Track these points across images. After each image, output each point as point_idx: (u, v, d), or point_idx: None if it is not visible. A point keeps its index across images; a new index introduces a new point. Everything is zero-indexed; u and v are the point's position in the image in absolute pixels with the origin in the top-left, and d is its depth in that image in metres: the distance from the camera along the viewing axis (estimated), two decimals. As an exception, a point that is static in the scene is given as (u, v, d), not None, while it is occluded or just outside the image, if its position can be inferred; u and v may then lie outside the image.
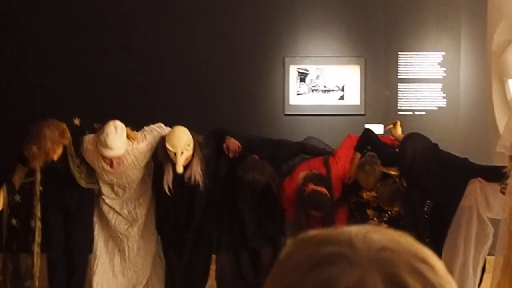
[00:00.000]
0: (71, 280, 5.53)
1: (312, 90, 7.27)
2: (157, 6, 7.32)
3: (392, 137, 5.57)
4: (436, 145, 5.15)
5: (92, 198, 5.58)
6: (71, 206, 5.47)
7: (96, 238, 5.62)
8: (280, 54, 7.37)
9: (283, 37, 7.39)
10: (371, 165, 5.20)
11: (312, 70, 7.32)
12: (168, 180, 5.39)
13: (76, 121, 5.43)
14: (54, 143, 5.06)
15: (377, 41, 7.35)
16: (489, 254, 5.21)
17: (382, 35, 7.35)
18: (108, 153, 5.18)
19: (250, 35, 7.36)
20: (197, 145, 5.39)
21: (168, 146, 5.26)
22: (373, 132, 5.55)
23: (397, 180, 5.14)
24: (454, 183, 4.90)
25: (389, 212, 5.40)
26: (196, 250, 5.64)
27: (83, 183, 5.41)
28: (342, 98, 7.22)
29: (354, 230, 0.97)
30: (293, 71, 7.37)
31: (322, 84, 7.23)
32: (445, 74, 7.26)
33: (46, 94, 6.97)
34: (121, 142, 5.18)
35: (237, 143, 5.50)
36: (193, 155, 5.36)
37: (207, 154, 5.47)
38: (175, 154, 5.24)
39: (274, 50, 7.35)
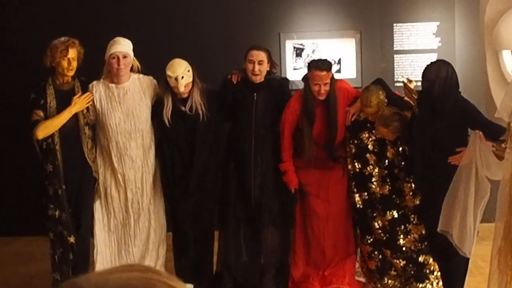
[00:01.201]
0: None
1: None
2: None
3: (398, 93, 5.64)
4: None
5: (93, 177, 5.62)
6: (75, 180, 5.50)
7: (97, 217, 5.63)
8: (276, 30, 7.41)
9: (278, 13, 7.42)
10: (376, 87, 5.33)
11: (308, 44, 7.38)
12: (167, 112, 5.48)
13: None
14: (64, 43, 5.34)
15: (372, 14, 7.39)
16: (488, 221, 5.33)
17: (377, 7, 7.38)
18: (116, 48, 5.45)
19: (245, 12, 7.39)
20: (196, 76, 5.51)
21: (168, 72, 5.41)
22: (385, 82, 5.60)
23: (412, 105, 5.15)
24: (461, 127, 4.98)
25: (388, 159, 5.46)
26: (202, 190, 5.61)
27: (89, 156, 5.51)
28: (338, 71, 7.25)
29: None
30: (289, 46, 7.43)
31: (318, 58, 7.29)
32: (440, 44, 7.31)
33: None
34: (128, 43, 5.52)
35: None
36: (193, 84, 5.49)
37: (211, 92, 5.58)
38: (175, 79, 5.39)
39: (269, 26, 7.40)
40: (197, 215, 5.62)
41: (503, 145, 4.49)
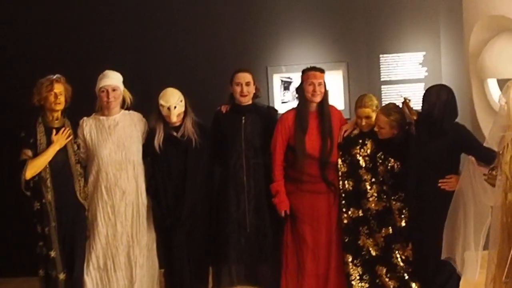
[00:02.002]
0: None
1: (297, 98, 7.32)
2: (143, 20, 7.43)
3: None
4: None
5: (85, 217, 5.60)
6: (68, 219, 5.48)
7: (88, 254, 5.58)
8: (263, 64, 7.44)
9: (265, 47, 7.45)
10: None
11: (295, 78, 7.38)
12: (159, 139, 5.56)
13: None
14: (49, 79, 5.39)
15: (358, 45, 7.43)
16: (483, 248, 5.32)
17: (363, 39, 7.42)
18: (105, 81, 5.55)
19: (233, 46, 7.41)
20: (189, 106, 5.62)
21: (161, 101, 5.54)
22: None
23: (412, 122, 5.29)
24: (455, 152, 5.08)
25: (380, 176, 5.52)
26: (195, 219, 5.61)
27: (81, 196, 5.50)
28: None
29: None
30: (276, 80, 7.45)
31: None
32: (426, 74, 7.34)
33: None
34: (117, 75, 5.61)
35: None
36: (185, 113, 5.60)
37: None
38: (168, 109, 5.49)
39: (257, 60, 7.41)
40: (191, 247, 5.60)
41: (493, 172, 4.52)
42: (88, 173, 5.61)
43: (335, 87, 7.33)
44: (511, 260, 4.07)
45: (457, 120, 5.23)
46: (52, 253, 5.37)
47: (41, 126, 5.41)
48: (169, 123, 5.58)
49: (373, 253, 5.57)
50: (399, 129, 5.37)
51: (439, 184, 5.06)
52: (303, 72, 5.66)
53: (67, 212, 5.43)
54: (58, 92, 5.39)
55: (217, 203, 5.78)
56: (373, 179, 5.56)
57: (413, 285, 5.43)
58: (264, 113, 5.80)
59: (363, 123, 5.56)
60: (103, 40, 7.37)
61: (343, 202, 5.65)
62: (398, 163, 5.45)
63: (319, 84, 5.58)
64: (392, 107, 5.48)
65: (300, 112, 5.59)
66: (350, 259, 5.64)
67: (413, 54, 7.40)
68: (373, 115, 5.54)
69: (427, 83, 7.19)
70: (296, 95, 5.75)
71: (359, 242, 5.63)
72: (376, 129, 5.49)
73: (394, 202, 5.48)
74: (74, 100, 5.53)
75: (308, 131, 5.59)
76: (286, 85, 7.43)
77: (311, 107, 5.62)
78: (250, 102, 5.76)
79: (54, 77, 5.42)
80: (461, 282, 5.18)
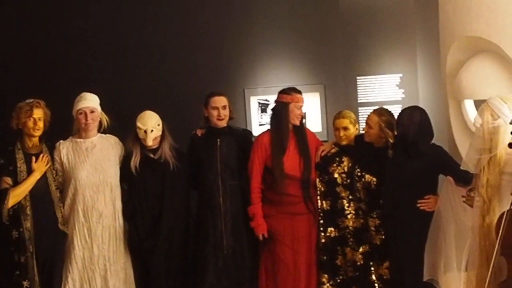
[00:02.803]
0: None
1: (272, 118, 7.31)
2: (120, 43, 7.42)
3: None
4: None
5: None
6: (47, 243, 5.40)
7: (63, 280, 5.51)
8: (240, 86, 7.45)
9: (243, 69, 7.47)
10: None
11: (273, 100, 7.34)
12: (135, 161, 5.55)
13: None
14: (28, 104, 5.32)
15: (335, 67, 7.46)
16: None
17: (340, 61, 7.46)
18: (83, 103, 5.53)
19: (210, 69, 7.44)
20: (166, 130, 5.64)
21: (138, 124, 5.55)
22: None
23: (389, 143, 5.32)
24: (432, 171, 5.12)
25: (358, 193, 5.55)
26: (172, 242, 5.60)
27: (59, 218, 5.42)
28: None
29: None
30: (253, 102, 7.44)
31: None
32: (403, 96, 7.38)
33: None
34: (94, 98, 5.60)
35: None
36: (162, 137, 5.61)
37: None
38: (145, 132, 5.50)
39: (234, 82, 7.44)
40: (169, 270, 5.57)
41: (471, 194, 4.52)
42: (64, 196, 5.57)
43: (312, 109, 7.35)
44: (488, 283, 4.05)
45: (434, 141, 5.25)
46: (25, 283, 5.28)
47: (20, 152, 5.34)
48: (145, 146, 5.52)
49: (350, 274, 5.57)
50: (386, 136, 5.41)
51: (418, 205, 5.07)
52: (285, 92, 5.62)
53: (47, 238, 5.37)
54: (37, 118, 5.34)
55: (194, 225, 5.75)
56: (351, 196, 5.59)
57: None
58: (240, 135, 5.82)
59: (341, 134, 5.60)
60: (80, 62, 7.36)
61: (321, 221, 5.64)
62: (374, 179, 5.45)
63: (301, 107, 5.64)
64: (385, 109, 5.60)
65: (279, 132, 5.58)
66: (326, 280, 5.62)
67: (390, 76, 7.43)
68: (351, 127, 5.63)
69: (404, 104, 7.20)
70: (271, 115, 5.71)
71: (336, 261, 5.63)
72: (364, 129, 5.56)
73: (371, 219, 5.46)
74: (51, 123, 5.46)
75: (287, 153, 5.57)
76: (264, 107, 7.42)
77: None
78: (225, 124, 5.73)
79: (34, 101, 5.35)
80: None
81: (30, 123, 5.31)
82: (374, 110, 5.62)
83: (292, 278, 5.63)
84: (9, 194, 5.18)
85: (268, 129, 5.73)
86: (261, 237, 5.61)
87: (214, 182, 5.66)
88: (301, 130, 5.67)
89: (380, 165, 5.36)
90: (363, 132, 5.69)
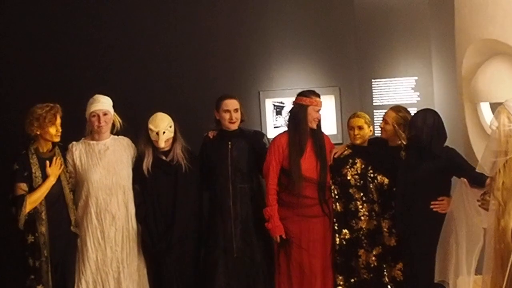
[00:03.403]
0: None
1: (289, 120, 7.30)
2: (133, 46, 7.43)
3: None
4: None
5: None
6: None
7: (76, 281, 5.51)
8: (255, 88, 7.45)
9: (258, 72, 7.47)
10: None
11: (288, 102, 7.36)
12: (148, 163, 5.56)
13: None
14: (51, 113, 5.26)
15: (350, 70, 7.45)
16: (476, 274, 5.28)
17: (355, 63, 7.44)
18: (96, 106, 5.53)
19: (225, 71, 7.44)
20: (178, 132, 5.64)
21: (150, 126, 5.55)
22: None
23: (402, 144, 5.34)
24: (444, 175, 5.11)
25: (371, 194, 5.55)
26: (184, 244, 5.59)
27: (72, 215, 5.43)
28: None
29: None
30: (269, 104, 7.44)
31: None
32: (419, 99, 7.35)
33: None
34: (108, 100, 5.58)
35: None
36: (174, 138, 5.61)
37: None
38: (157, 134, 5.51)
39: (249, 84, 7.43)
40: (181, 272, 5.56)
41: (486, 197, 4.50)
42: (77, 198, 5.56)
43: (327, 112, 7.33)
44: (506, 285, 4.03)
45: (450, 144, 5.24)
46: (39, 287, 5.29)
47: (34, 157, 5.31)
48: (158, 147, 5.54)
49: (364, 276, 5.57)
50: (401, 134, 5.43)
51: (431, 206, 5.04)
52: (306, 94, 5.63)
53: (61, 241, 5.37)
54: (58, 124, 5.33)
55: (205, 228, 5.74)
56: (364, 198, 5.58)
57: None
58: (251, 138, 5.82)
59: (355, 133, 5.63)
60: (92, 64, 7.37)
61: (336, 223, 5.64)
62: (387, 180, 5.46)
63: (319, 110, 5.64)
64: (402, 106, 5.68)
65: (297, 134, 5.57)
66: (342, 281, 5.63)
67: (405, 79, 7.41)
68: (365, 127, 5.67)
69: (420, 107, 7.14)
70: (288, 117, 5.71)
71: (351, 263, 5.63)
72: (381, 125, 5.60)
73: (384, 221, 5.46)
74: (62, 124, 5.46)
75: (304, 155, 5.57)
76: (279, 110, 7.41)
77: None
78: (237, 127, 5.76)
79: (55, 107, 5.32)
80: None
81: (53, 130, 5.30)
82: (391, 107, 5.69)
83: (308, 281, 5.62)
84: (26, 200, 5.16)
85: (285, 131, 5.73)
86: (278, 239, 5.60)
87: (224, 185, 5.66)
88: (318, 132, 5.67)
89: (393, 165, 5.36)
90: (377, 135, 5.69)
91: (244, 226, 5.67)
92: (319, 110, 5.66)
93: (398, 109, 5.61)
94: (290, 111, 5.72)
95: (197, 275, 5.70)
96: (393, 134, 5.50)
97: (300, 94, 5.68)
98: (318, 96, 5.69)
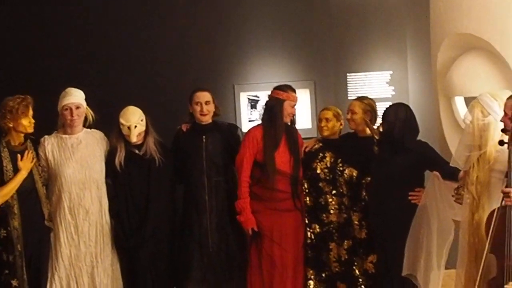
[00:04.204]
0: None
1: (265, 113, 7.28)
2: (104, 37, 7.38)
3: None
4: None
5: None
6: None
7: (49, 276, 5.45)
8: (230, 82, 7.42)
9: (233, 65, 7.45)
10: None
11: (263, 96, 7.36)
12: (120, 157, 5.49)
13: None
14: (24, 105, 5.18)
15: (326, 64, 7.46)
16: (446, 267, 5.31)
17: (330, 57, 7.45)
18: (68, 99, 5.44)
19: (200, 64, 7.41)
20: (150, 125, 5.58)
21: (121, 120, 5.49)
22: None
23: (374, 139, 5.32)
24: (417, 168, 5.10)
25: (341, 188, 5.55)
26: (158, 239, 5.56)
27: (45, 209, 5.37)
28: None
29: None
30: (243, 98, 7.42)
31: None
32: (394, 93, 7.38)
33: None
34: (80, 93, 5.51)
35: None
36: (146, 132, 5.56)
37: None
38: (128, 128, 5.45)
39: (224, 78, 7.41)
40: (155, 267, 5.52)
41: (461, 191, 4.51)
42: (50, 193, 5.49)
43: (302, 106, 7.32)
44: (479, 281, 4.04)
45: (424, 138, 5.24)
46: (14, 282, 5.21)
47: (5, 151, 5.23)
48: (129, 142, 5.50)
49: (335, 270, 5.58)
50: (370, 120, 5.47)
51: (410, 197, 5.03)
52: (282, 89, 5.61)
53: (34, 235, 5.30)
54: (31, 115, 5.24)
55: (180, 222, 5.71)
56: (334, 191, 5.57)
57: None
58: (225, 131, 5.78)
59: (322, 125, 5.65)
60: (64, 56, 7.29)
61: (307, 218, 5.64)
62: (356, 172, 5.47)
63: (294, 106, 5.64)
64: (365, 96, 5.74)
65: (272, 128, 5.55)
66: (313, 275, 5.64)
67: (380, 73, 7.43)
68: (334, 120, 5.67)
69: (394, 101, 7.16)
70: (264, 110, 5.69)
71: (322, 257, 5.63)
72: (348, 117, 5.57)
73: (354, 213, 5.46)
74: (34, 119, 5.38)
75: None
76: (253, 104, 7.39)
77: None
78: (210, 120, 5.74)
79: (28, 99, 5.23)
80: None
81: (26, 122, 5.21)
82: (355, 98, 5.73)
83: (279, 274, 5.60)
84: None
85: (260, 124, 5.70)
86: (250, 232, 5.58)
87: (199, 179, 5.62)
88: (292, 127, 5.65)
89: (364, 157, 5.36)
90: (350, 131, 5.70)
91: (219, 220, 5.64)
92: (295, 105, 5.62)
93: (362, 98, 5.65)
94: (266, 104, 5.69)
95: (171, 270, 5.65)
96: (362, 123, 5.49)
97: (277, 88, 5.64)
98: (294, 91, 5.65)
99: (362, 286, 5.50)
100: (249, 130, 5.72)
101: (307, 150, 5.71)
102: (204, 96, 5.69)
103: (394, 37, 7.41)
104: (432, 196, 4.90)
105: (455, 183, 4.67)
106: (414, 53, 7.38)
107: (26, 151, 5.29)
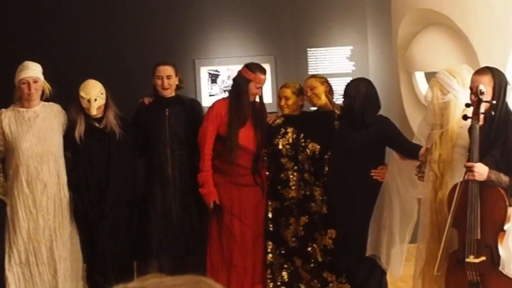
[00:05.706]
0: None
1: (224, 91, 7.30)
2: (64, 10, 7.24)
3: None
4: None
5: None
6: None
7: (6, 250, 5.40)
8: (190, 56, 7.37)
9: (193, 39, 7.39)
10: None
11: (223, 71, 7.33)
12: (80, 130, 5.45)
13: None
14: None
15: (286, 39, 7.43)
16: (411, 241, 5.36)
17: (290, 32, 7.43)
18: (26, 73, 5.36)
19: (160, 39, 7.35)
20: (110, 99, 5.54)
21: (81, 93, 5.43)
22: None
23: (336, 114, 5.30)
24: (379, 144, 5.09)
25: (305, 164, 5.52)
26: (118, 212, 5.53)
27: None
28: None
29: None
30: (204, 72, 7.37)
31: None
32: (354, 68, 7.39)
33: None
34: (38, 67, 5.43)
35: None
36: (106, 105, 5.52)
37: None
38: (88, 101, 5.40)
39: (184, 52, 7.35)
40: (115, 240, 5.51)
41: (423, 169, 4.51)
42: (7, 167, 5.43)
43: (263, 81, 7.28)
44: (441, 254, 4.07)
45: (386, 113, 5.24)
46: None
47: None
48: (89, 115, 5.45)
49: (293, 245, 5.57)
50: (328, 91, 5.48)
51: (372, 174, 5.04)
52: (251, 69, 5.56)
53: None
54: None
55: (142, 195, 5.70)
56: (295, 167, 5.55)
57: (325, 274, 5.43)
58: (188, 105, 5.76)
59: (282, 103, 5.61)
60: (22, 28, 7.16)
61: (268, 193, 5.64)
62: (318, 147, 5.45)
63: (260, 88, 5.58)
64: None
65: (239, 104, 5.52)
66: (272, 249, 5.64)
67: (341, 48, 7.43)
68: (293, 97, 5.59)
69: (355, 77, 7.15)
70: (232, 85, 5.67)
71: (282, 232, 5.63)
72: (308, 94, 5.52)
73: (316, 189, 5.47)
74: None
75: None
76: (214, 78, 7.35)
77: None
78: (173, 94, 5.71)
79: None
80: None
81: None
82: (307, 78, 5.73)
83: (239, 248, 5.61)
84: None
85: (226, 97, 5.68)
86: (211, 205, 5.57)
87: (162, 152, 5.61)
88: (260, 103, 5.64)
89: (326, 131, 5.35)
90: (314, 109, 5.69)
91: (183, 193, 5.63)
92: (261, 87, 5.59)
93: (314, 75, 5.69)
94: (234, 79, 5.68)
95: (131, 242, 5.63)
96: (323, 95, 5.48)
97: (247, 66, 5.60)
98: (264, 72, 5.60)
99: (315, 264, 5.49)
100: (213, 104, 5.69)
101: (270, 122, 5.68)
102: (166, 70, 5.64)
103: (354, 12, 7.41)
104: (392, 176, 4.92)
105: (417, 161, 4.68)
106: (375, 28, 7.39)
107: None
